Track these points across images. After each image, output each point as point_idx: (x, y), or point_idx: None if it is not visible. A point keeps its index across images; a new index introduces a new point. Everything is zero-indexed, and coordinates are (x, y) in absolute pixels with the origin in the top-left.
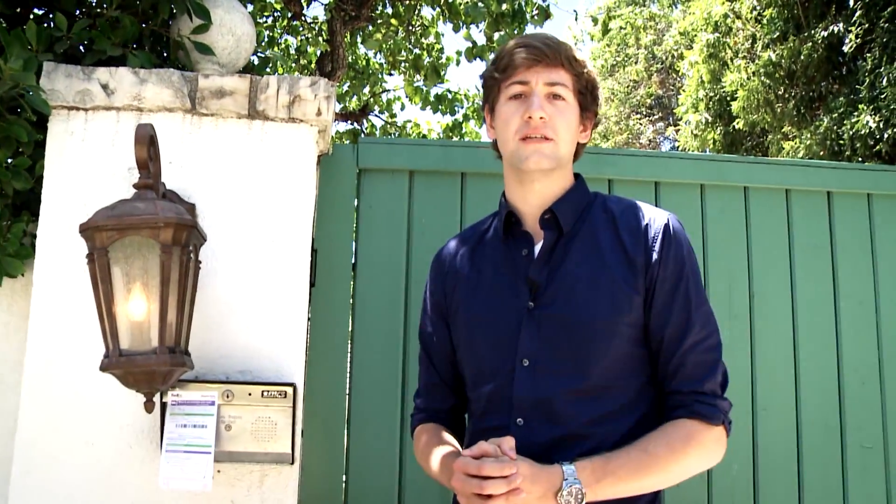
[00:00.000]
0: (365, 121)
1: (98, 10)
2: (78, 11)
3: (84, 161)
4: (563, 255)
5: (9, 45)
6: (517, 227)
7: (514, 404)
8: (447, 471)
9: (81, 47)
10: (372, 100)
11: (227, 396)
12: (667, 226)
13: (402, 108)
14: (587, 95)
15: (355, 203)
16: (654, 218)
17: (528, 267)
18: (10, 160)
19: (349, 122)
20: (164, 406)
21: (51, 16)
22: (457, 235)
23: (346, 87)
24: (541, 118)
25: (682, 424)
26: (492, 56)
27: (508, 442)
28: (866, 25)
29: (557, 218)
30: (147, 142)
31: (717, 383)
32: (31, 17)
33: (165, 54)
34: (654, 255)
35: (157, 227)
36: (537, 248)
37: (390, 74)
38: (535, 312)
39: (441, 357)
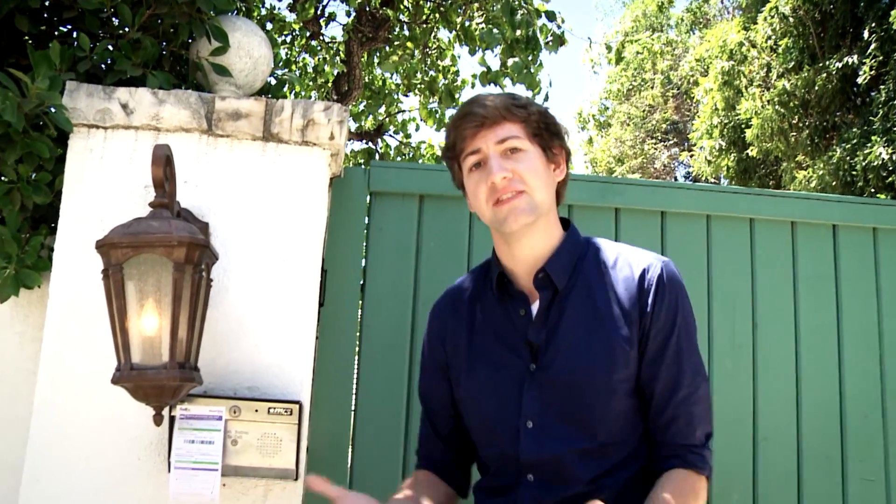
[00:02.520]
0: (380, 140)
1: (120, 31)
2: (101, 32)
3: (102, 178)
4: (559, 315)
5: (36, 65)
6: (511, 286)
7: (521, 464)
8: None
9: (103, 67)
10: (387, 120)
11: (235, 412)
12: (660, 276)
13: (417, 128)
14: (543, 134)
15: (366, 225)
16: (648, 268)
17: (526, 328)
18: (31, 175)
19: (364, 141)
20: (172, 419)
21: (74, 35)
22: (453, 285)
23: (361, 107)
24: (503, 178)
25: (680, 477)
26: (506, 81)
27: None
28: (881, 58)
29: (551, 277)
30: (163, 162)
31: (704, 432)
32: (56, 35)
33: (184, 74)
34: (648, 307)
35: (170, 246)
36: (534, 307)
37: (406, 95)
38: (537, 374)
39: (440, 413)
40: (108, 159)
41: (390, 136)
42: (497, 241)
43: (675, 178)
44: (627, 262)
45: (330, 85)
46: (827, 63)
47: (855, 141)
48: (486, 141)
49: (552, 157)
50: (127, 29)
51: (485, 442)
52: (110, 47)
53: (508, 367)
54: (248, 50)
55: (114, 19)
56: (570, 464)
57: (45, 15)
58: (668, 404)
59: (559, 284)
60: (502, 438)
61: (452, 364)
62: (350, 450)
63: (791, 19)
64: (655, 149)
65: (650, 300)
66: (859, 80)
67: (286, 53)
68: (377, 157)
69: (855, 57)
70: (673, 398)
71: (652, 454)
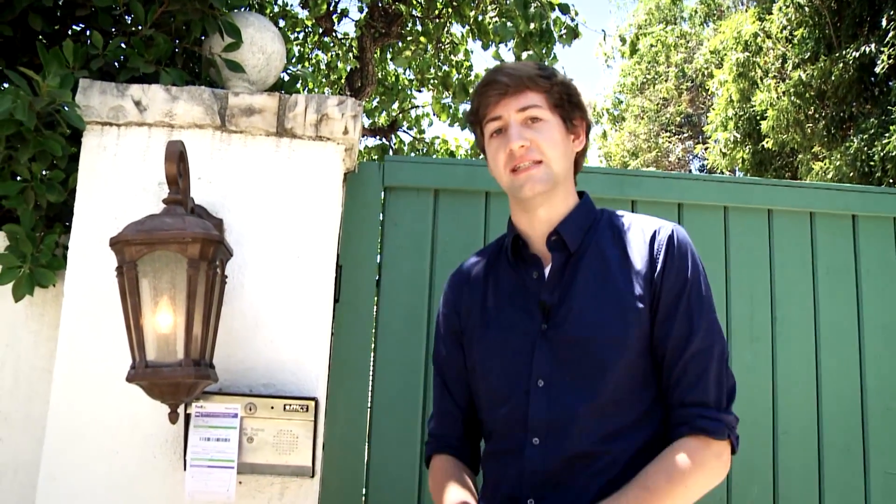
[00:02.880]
0: (393, 136)
1: (133, 29)
2: (113, 29)
3: (116, 175)
4: (572, 276)
5: (47, 63)
6: (525, 250)
7: (529, 425)
8: None
9: (116, 64)
10: (401, 116)
11: (250, 409)
12: (671, 237)
13: (430, 124)
14: (565, 105)
15: (380, 220)
16: (659, 230)
17: (539, 289)
18: (44, 173)
19: (378, 137)
20: (187, 417)
21: (87, 33)
22: (469, 259)
23: (375, 103)
24: (521, 146)
25: (680, 448)
26: None
27: None
28: None
29: (563, 239)
30: (177, 158)
31: (722, 394)
32: (69, 33)
33: (197, 71)
34: (658, 266)
35: (184, 243)
36: (547, 269)
37: (419, 91)
38: (549, 334)
39: (456, 381)
40: (121, 156)
41: (404, 131)
42: (514, 206)
43: (690, 171)
44: (640, 227)
45: (343, 81)
46: (844, 53)
47: (872, 131)
48: (508, 109)
49: (572, 128)
50: (140, 26)
51: (493, 405)
52: (123, 45)
53: (520, 329)
54: (260, 45)
55: (126, 17)
56: (576, 423)
57: (59, 13)
58: (678, 359)
59: (571, 246)
60: (512, 400)
61: (466, 331)
62: (367, 446)
63: (807, 9)
64: (670, 142)
65: (661, 259)
66: (877, 70)
67: (299, 50)
68: (391, 153)
69: (872, 46)
70: (684, 353)
71: (667, 423)
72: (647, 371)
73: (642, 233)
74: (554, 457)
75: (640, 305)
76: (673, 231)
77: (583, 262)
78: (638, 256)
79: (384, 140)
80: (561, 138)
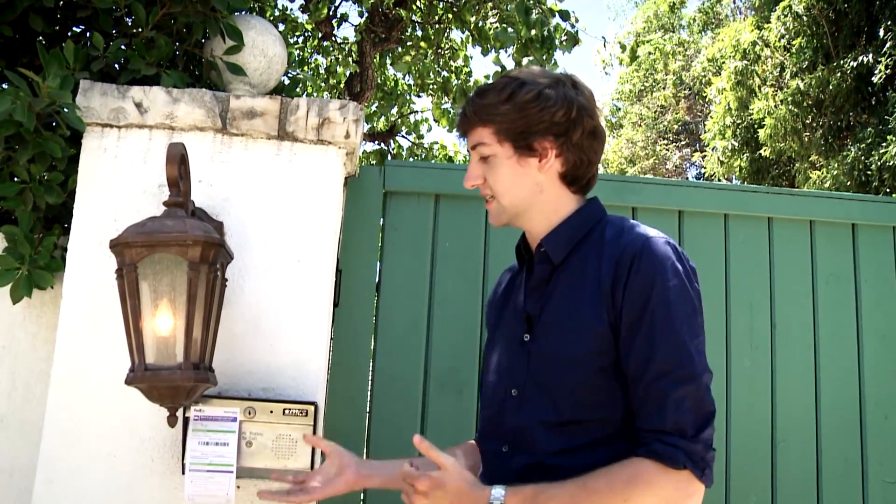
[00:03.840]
0: (392, 141)
1: (134, 31)
2: (114, 31)
3: (116, 177)
4: (553, 288)
5: (47, 64)
6: (530, 258)
7: (502, 432)
8: None
9: (117, 66)
10: (400, 121)
11: (249, 413)
12: (639, 251)
13: (430, 129)
14: (518, 136)
15: (381, 225)
16: (630, 242)
17: (527, 299)
18: (43, 174)
19: (376, 142)
20: (186, 421)
21: (88, 34)
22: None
23: (374, 108)
24: (472, 185)
25: (632, 463)
26: None
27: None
28: None
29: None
30: (178, 160)
31: (687, 421)
32: (70, 34)
33: (198, 73)
34: (622, 283)
35: (185, 245)
36: None
37: (418, 96)
38: (528, 345)
39: None
40: (121, 158)
41: (403, 136)
42: None
43: (688, 179)
44: (620, 238)
45: (342, 86)
46: (841, 62)
47: (870, 140)
48: (468, 144)
49: (530, 153)
50: (141, 28)
51: (483, 407)
52: (124, 46)
53: (511, 336)
54: (262, 48)
55: (127, 18)
56: (535, 435)
57: (59, 14)
58: (639, 383)
59: (555, 259)
60: (493, 405)
61: (490, 330)
62: (365, 451)
63: (805, 18)
64: (667, 149)
65: (625, 275)
66: (874, 80)
67: (298, 54)
68: (389, 157)
69: (870, 56)
70: (644, 376)
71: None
72: (613, 391)
73: (618, 245)
74: (516, 465)
75: (599, 325)
76: (644, 245)
77: (564, 275)
78: (607, 271)
79: (383, 145)
80: (509, 170)
